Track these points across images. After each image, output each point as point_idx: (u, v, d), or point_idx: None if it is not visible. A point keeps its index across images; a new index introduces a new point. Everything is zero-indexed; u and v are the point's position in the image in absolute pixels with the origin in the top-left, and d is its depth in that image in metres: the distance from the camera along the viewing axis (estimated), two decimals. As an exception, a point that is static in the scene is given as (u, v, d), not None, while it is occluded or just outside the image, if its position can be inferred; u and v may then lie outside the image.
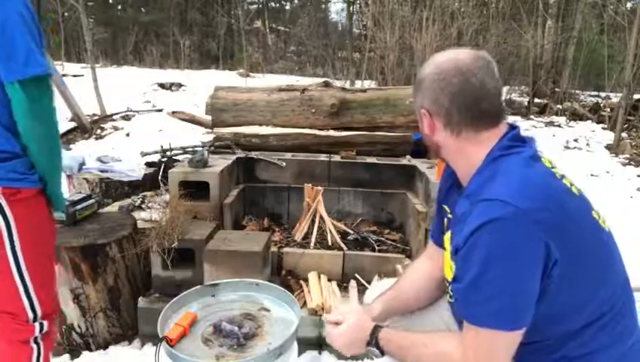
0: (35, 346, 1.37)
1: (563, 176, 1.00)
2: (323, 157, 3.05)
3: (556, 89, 10.27)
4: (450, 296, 1.16)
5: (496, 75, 1.03)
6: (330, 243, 2.57)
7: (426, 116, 1.07)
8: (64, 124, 6.34)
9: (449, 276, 1.15)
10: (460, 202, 1.03)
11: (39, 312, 1.35)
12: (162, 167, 3.03)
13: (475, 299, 0.92)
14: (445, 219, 1.21)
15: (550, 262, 0.89)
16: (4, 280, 1.29)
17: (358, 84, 9.66)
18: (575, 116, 8.82)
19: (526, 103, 9.36)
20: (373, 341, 1.11)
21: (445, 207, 1.23)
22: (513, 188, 0.91)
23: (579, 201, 0.98)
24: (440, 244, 1.29)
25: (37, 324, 1.36)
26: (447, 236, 1.15)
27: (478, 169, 1.02)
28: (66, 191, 3.05)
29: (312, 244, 2.56)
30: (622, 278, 1.03)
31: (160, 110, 7.36)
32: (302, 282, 2.31)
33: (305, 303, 2.14)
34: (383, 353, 1.10)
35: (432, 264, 1.31)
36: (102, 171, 3.23)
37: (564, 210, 0.93)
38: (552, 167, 1.01)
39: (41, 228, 1.35)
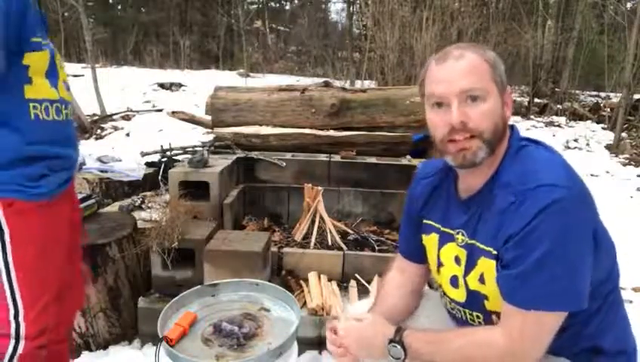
0: None
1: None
2: (323, 157, 3.05)
3: (556, 89, 10.28)
4: (450, 304, 1.15)
5: None
6: (330, 244, 2.57)
7: (509, 96, 1.04)
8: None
9: (450, 293, 1.13)
10: (498, 195, 0.99)
11: (22, 329, 1.22)
12: (162, 167, 3.03)
13: (538, 280, 0.90)
14: (436, 235, 1.16)
15: (595, 239, 0.94)
16: None
17: (358, 84, 9.66)
18: (575, 116, 8.83)
19: (526, 103, 9.36)
20: (398, 338, 1.03)
21: (431, 222, 1.18)
22: (562, 173, 0.94)
23: None
24: (414, 257, 1.25)
25: (12, 341, 1.22)
26: (449, 248, 1.11)
27: (504, 160, 1.02)
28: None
29: (312, 244, 2.55)
30: (617, 266, 1.07)
31: (160, 110, 7.36)
32: (302, 282, 2.31)
33: (305, 303, 2.14)
34: (405, 354, 1.02)
35: (404, 277, 1.28)
36: (102, 171, 3.23)
37: (590, 191, 0.98)
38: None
39: (45, 243, 1.25)
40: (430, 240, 1.18)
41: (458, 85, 0.97)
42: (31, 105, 1.19)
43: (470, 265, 1.05)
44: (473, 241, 1.03)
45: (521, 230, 0.91)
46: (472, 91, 0.97)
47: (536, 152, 1.01)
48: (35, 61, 1.19)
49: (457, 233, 1.09)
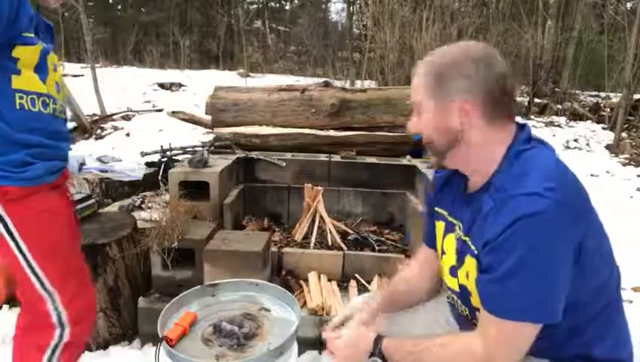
0: (47, 356, 1.27)
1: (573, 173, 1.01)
2: (323, 157, 3.05)
3: (556, 89, 10.27)
4: (449, 293, 1.16)
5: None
6: (330, 243, 2.57)
7: (461, 107, 1.01)
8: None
9: (449, 281, 1.15)
10: (484, 199, 1.00)
11: (64, 316, 1.26)
12: (162, 167, 3.03)
13: (509, 290, 0.90)
14: (443, 223, 1.19)
15: (577, 253, 0.91)
16: (22, 280, 1.25)
17: (358, 84, 9.66)
18: (575, 116, 8.83)
19: (526, 103, 9.36)
20: (377, 351, 1.08)
21: (441, 210, 1.21)
22: (550, 181, 0.91)
23: (587, 193, 1.00)
24: (430, 242, 1.29)
25: (57, 330, 1.26)
26: (450, 238, 1.14)
27: (502, 164, 1.01)
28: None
29: (312, 244, 2.56)
30: (616, 274, 1.05)
31: (160, 110, 7.36)
32: (302, 282, 2.31)
33: (305, 303, 2.14)
34: None
35: (423, 266, 1.32)
36: (102, 171, 3.23)
37: (589, 203, 0.97)
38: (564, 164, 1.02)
39: (52, 228, 1.28)
40: (439, 228, 1.22)
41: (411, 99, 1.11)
42: (17, 95, 1.21)
43: (461, 260, 1.08)
44: (466, 238, 1.05)
45: (497, 237, 0.91)
46: (413, 105, 1.09)
47: (534, 157, 0.98)
48: (25, 55, 1.22)
49: (457, 225, 1.11)
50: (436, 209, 1.24)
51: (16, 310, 1.38)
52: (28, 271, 1.24)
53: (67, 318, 1.28)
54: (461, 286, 1.09)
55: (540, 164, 0.96)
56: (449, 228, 1.15)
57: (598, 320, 0.99)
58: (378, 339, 1.10)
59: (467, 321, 1.13)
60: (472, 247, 1.01)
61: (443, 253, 1.17)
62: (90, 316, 1.40)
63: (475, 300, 1.03)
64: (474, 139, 1.02)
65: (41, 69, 1.27)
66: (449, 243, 1.14)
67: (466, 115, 1.01)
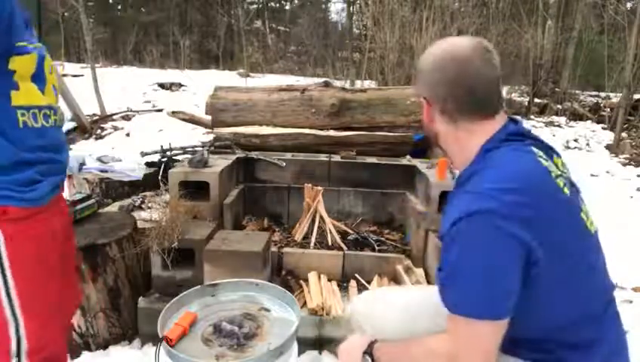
0: None
1: (558, 176, 0.98)
2: (323, 157, 3.05)
3: (556, 89, 10.27)
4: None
5: (494, 64, 1.02)
6: (330, 243, 2.57)
7: (424, 104, 1.09)
8: (64, 124, 6.34)
9: None
10: (451, 194, 1.06)
11: (24, 344, 1.18)
12: (162, 167, 3.03)
13: (453, 286, 0.93)
14: None
15: (531, 259, 0.89)
16: None
17: (358, 84, 9.66)
18: (575, 116, 8.83)
19: (526, 103, 9.36)
20: (369, 350, 1.13)
21: None
22: (499, 181, 0.92)
23: (568, 202, 0.98)
24: None
25: (13, 360, 1.17)
26: None
27: (472, 161, 1.03)
28: (67, 191, 3.06)
29: (312, 244, 2.56)
30: (603, 285, 1.03)
31: (160, 110, 7.36)
32: (302, 282, 2.31)
33: (305, 303, 2.14)
34: None
35: None
36: (102, 171, 3.23)
37: (551, 209, 0.93)
38: (550, 166, 0.99)
39: (42, 252, 1.22)
40: None
41: None
42: (18, 112, 1.17)
43: None
44: None
45: (445, 233, 0.94)
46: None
47: (497, 155, 0.99)
48: (21, 65, 1.17)
49: None
50: None
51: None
52: (3, 293, 1.17)
53: (26, 348, 1.20)
54: None
55: (500, 163, 0.97)
56: None
57: (585, 330, 0.97)
58: (372, 342, 1.15)
59: None
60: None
61: None
62: (59, 340, 1.32)
63: None
64: (443, 137, 1.09)
65: (39, 77, 1.23)
66: None
67: (428, 113, 1.09)
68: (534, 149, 1.01)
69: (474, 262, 0.89)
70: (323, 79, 4.12)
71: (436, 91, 1.05)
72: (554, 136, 7.32)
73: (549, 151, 1.06)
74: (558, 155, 1.08)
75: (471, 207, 0.90)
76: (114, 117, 7.05)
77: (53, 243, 1.29)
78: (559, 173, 1.00)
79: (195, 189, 2.48)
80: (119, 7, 22.19)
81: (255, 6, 21.31)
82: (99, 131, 6.47)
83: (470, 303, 0.91)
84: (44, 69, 1.25)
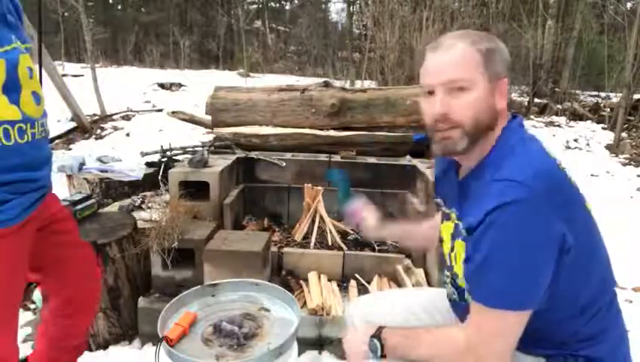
0: None
1: (564, 168, 1.00)
2: (323, 157, 3.04)
3: (556, 89, 10.27)
4: (451, 282, 1.16)
5: None
6: (330, 243, 2.57)
7: (504, 86, 1.02)
8: (64, 124, 6.35)
9: (456, 266, 1.16)
10: (471, 185, 1.01)
11: None
12: (162, 167, 3.03)
13: (487, 278, 0.91)
14: (441, 212, 1.21)
15: (565, 247, 0.89)
16: None
17: (358, 84, 9.66)
18: (575, 116, 8.82)
19: (526, 103, 9.36)
20: (377, 333, 1.10)
21: (438, 200, 1.23)
22: (531, 170, 0.91)
23: (578, 192, 0.99)
24: None
25: None
26: (446, 226, 1.15)
27: (493, 149, 1.01)
28: (66, 191, 3.06)
29: (312, 244, 2.55)
30: (612, 277, 1.05)
31: (160, 110, 7.36)
32: (302, 282, 2.31)
33: (305, 303, 2.14)
34: (383, 350, 1.08)
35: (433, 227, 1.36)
36: (102, 171, 3.23)
37: (573, 197, 0.95)
38: (555, 158, 1.01)
39: (12, 273, 1.16)
40: (438, 216, 1.25)
41: (444, 76, 0.98)
42: None
43: (453, 243, 1.09)
44: (459, 221, 1.06)
45: (478, 225, 0.92)
46: (457, 82, 0.97)
47: (522, 145, 0.98)
48: None
49: (452, 212, 1.13)
50: (435, 199, 1.26)
51: None
52: None
53: None
54: (449, 268, 1.11)
55: (524, 151, 0.97)
56: (445, 217, 1.17)
57: (594, 321, 0.99)
58: (380, 327, 1.13)
59: (456, 305, 1.15)
60: (463, 231, 1.01)
61: (441, 240, 1.19)
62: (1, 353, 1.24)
63: (462, 282, 1.05)
64: (495, 121, 1.02)
65: (11, 86, 1.08)
66: (446, 231, 1.16)
67: (503, 96, 1.02)
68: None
69: (511, 254, 0.88)
70: (323, 79, 4.11)
71: (506, 74, 1.02)
72: (554, 136, 7.32)
73: None
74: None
75: (507, 197, 0.87)
76: (114, 117, 7.05)
77: (21, 266, 1.21)
78: (563, 165, 1.02)
79: (195, 189, 2.48)
80: (119, 7, 22.20)
81: (255, 6, 21.33)
82: (99, 131, 6.47)
83: (505, 295, 0.90)
84: (17, 75, 1.11)
